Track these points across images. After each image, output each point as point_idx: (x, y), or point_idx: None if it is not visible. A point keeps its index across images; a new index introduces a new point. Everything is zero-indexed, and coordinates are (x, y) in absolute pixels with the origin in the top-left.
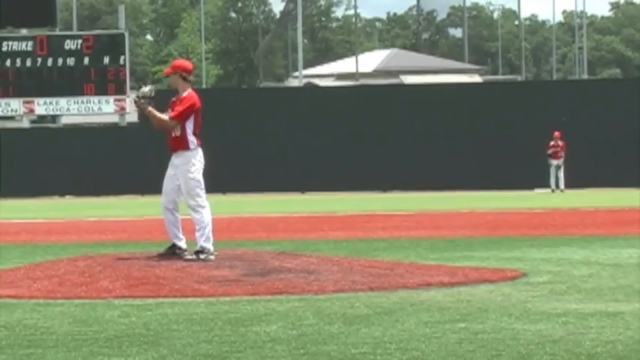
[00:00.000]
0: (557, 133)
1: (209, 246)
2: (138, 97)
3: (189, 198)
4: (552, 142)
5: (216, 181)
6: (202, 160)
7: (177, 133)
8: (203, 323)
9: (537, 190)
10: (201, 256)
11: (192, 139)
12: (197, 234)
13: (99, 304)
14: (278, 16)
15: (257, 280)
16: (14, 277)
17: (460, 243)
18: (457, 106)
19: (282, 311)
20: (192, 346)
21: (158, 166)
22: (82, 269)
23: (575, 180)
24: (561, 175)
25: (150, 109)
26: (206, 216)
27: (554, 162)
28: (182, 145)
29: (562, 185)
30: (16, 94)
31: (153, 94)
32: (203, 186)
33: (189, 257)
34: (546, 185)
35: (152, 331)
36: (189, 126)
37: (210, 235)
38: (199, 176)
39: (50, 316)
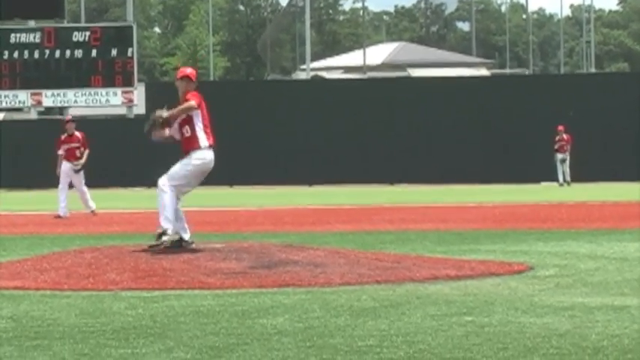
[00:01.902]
0: (560, 127)
1: (169, 226)
2: (153, 120)
3: (166, 178)
4: (557, 137)
5: (223, 174)
6: (210, 165)
7: (188, 133)
8: (210, 315)
9: (544, 184)
10: (164, 238)
11: (202, 136)
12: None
13: (106, 296)
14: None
15: (264, 272)
16: (21, 269)
17: (467, 236)
18: (464, 100)
19: (289, 304)
20: (198, 338)
21: (165, 159)
22: (88, 261)
23: (583, 173)
24: (567, 168)
25: (167, 113)
26: (167, 199)
27: (560, 156)
28: (194, 144)
29: (568, 178)
30: (24, 86)
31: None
32: (186, 182)
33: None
34: (553, 179)
35: (159, 323)
36: (197, 123)
37: (171, 217)
38: (194, 173)
39: (57, 307)
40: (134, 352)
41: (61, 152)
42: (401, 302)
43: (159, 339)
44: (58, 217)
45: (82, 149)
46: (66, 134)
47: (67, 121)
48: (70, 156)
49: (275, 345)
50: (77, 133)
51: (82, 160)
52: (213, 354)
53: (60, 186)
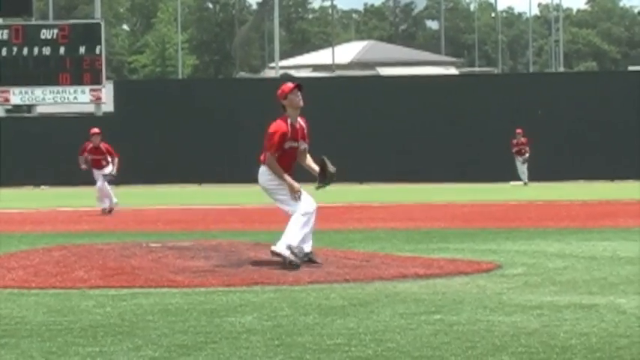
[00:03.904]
0: (519, 130)
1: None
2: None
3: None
4: (515, 140)
5: (192, 172)
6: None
7: None
8: (178, 314)
9: (513, 183)
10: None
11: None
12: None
13: (74, 294)
14: (254, 6)
15: (232, 270)
16: None
17: (436, 235)
18: (433, 99)
19: (258, 302)
20: (167, 337)
21: (133, 157)
22: (56, 259)
23: (550, 173)
24: (524, 169)
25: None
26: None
27: (520, 158)
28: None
29: (525, 178)
30: None
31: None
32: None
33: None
34: (519, 179)
35: (127, 321)
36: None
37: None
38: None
39: (25, 305)
40: (102, 351)
41: (85, 155)
42: (369, 301)
43: (127, 337)
44: (111, 210)
45: (110, 159)
46: (92, 145)
47: (93, 134)
48: (96, 164)
49: (243, 343)
50: (102, 146)
51: (113, 171)
52: (182, 352)
53: (98, 184)
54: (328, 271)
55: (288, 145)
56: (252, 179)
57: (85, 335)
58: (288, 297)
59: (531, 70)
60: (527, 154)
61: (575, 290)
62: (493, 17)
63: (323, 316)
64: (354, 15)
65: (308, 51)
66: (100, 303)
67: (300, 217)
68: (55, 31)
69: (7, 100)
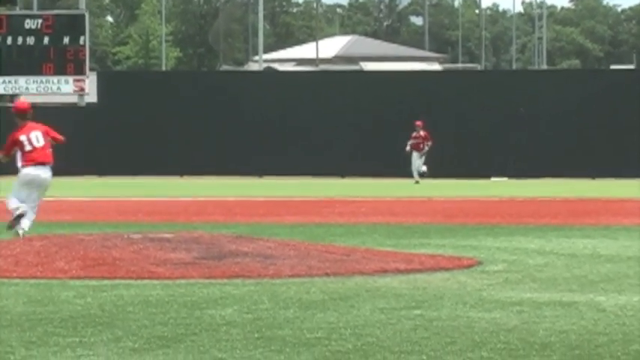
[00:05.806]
0: (418, 123)
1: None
2: None
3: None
4: (414, 133)
5: (174, 164)
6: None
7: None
8: (159, 305)
9: (494, 179)
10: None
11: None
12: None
13: (54, 285)
14: None
15: (213, 263)
16: None
17: (417, 230)
18: (416, 94)
19: (238, 295)
20: (147, 328)
21: (115, 148)
22: (37, 249)
23: (532, 170)
24: (420, 163)
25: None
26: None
27: (415, 153)
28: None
29: (417, 176)
30: None
31: None
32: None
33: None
34: (504, 174)
35: (107, 312)
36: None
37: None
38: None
39: (5, 295)
40: (82, 341)
41: None
42: (350, 295)
43: (107, 328)
44: None
45: None
46: None
47: None
48: None
49: (223, 336)
50: None
51: None
52: (162, 344)
53: None
54: (309, 265)
55: None
56: (235, 171)
57: (65, 325)
58: (269, 290)
59: (514, 66)
60: (425, 149)
61: (555, 287)
62: (477, 14)
63: (303, 310)
64: (338, 9)
65: (292, 45)
66: (81, 293)
67: None
68: (39, 21)
69: None
